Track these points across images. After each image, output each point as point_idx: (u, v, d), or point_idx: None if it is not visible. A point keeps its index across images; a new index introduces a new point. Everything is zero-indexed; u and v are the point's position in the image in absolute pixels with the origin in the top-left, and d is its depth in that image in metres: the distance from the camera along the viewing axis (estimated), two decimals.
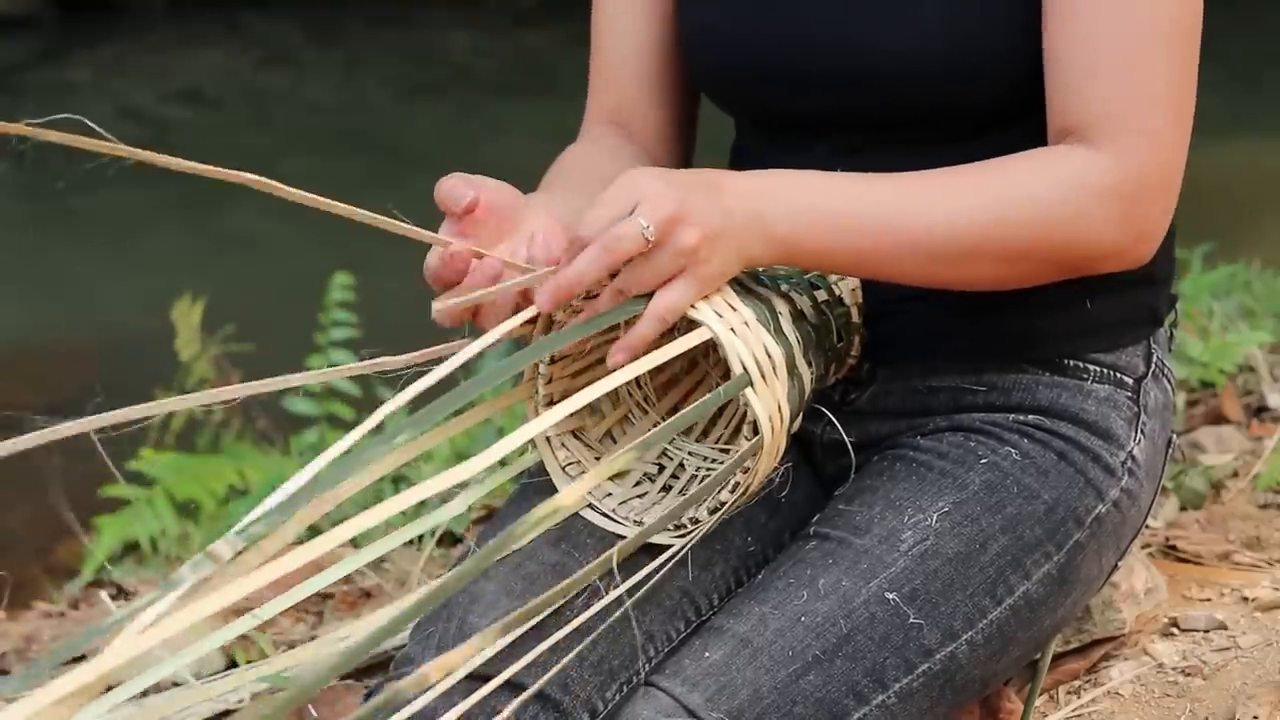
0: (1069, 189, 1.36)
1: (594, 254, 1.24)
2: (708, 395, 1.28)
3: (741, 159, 1.61)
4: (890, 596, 1.37)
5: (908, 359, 1.52)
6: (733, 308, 1.29)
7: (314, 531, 2.35)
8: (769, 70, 1.51)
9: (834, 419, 1.50)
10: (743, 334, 1.28)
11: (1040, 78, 1.42)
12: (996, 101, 1.44)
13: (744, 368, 1.27)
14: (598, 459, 1.42)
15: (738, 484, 1.33)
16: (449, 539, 2.22)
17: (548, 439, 1.41)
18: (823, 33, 1.47)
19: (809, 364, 1.39)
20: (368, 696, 1.36)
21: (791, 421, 1.35)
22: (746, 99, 1.57)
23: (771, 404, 1.29)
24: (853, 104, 1.47)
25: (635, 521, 1.39)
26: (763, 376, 1.29)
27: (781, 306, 1.36)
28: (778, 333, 1.33)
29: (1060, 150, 1.38)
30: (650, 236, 1.23)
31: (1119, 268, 1.42)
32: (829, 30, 1.47)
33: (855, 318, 1.48)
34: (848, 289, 1.47)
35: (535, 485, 1.49)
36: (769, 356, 1.29)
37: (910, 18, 1.43)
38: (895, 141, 1.46)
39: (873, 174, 1.36)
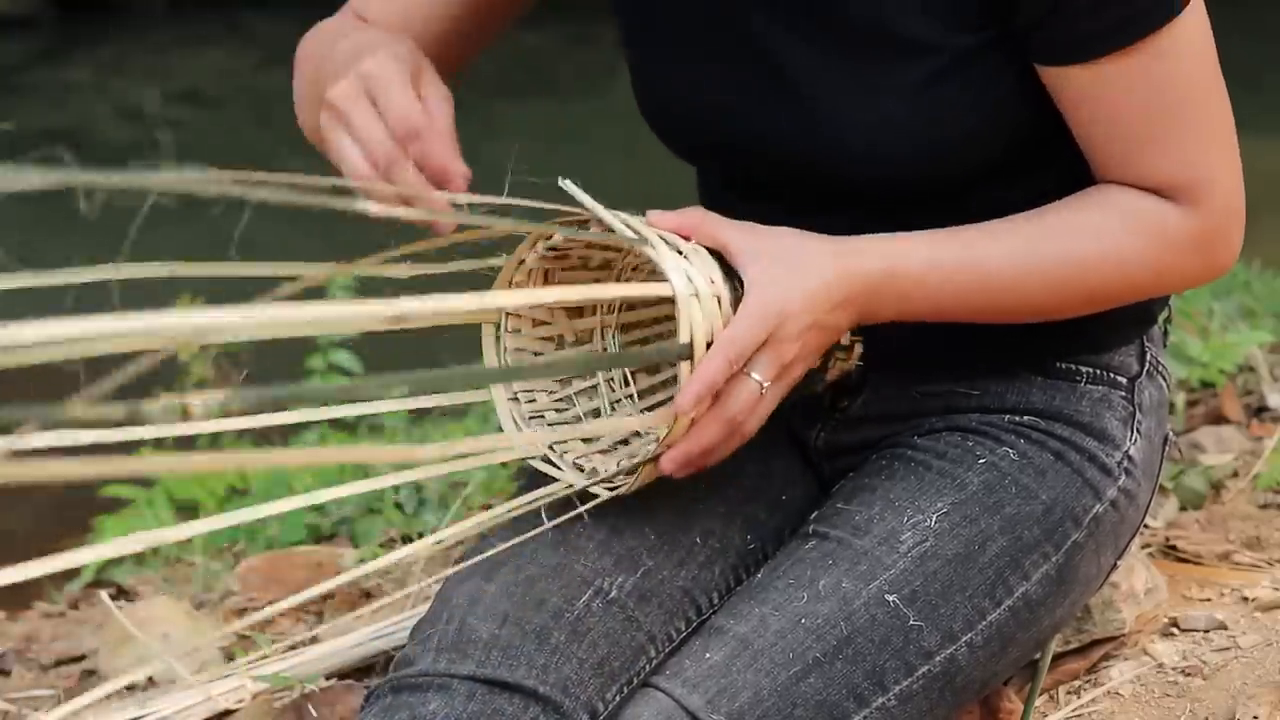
0: (1149, 246, 1.39)
1: (716, 429, 1.28)
2: (652, 346, 1.29)
3: (702, 180, 1.60)
4: (890, 598, 1.37)
5: (900, 366, 1.51)
6: (711, 280, 1.28)
7: (315, 533, 2.35)
8: (729, 143, 1.46)
9: (833, 423, 1.50)
10: (707, 308, 1.27)
11: (1018, 150, 1.41)
12: (967, 179, 1.42)
13: (691, 338, 1.26)
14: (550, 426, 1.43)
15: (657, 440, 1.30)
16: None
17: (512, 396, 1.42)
18: (787, 122, 1.42)
19: None
20: (367, 697, 1.36)
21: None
22: (703, 157, 1.55)
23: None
24: (815, 179, 1.44)
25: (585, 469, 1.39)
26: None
27: None
28: None
29: (1138, 201, 1.39)
30: (764, 391, 1.29)
31: (1194, 288, 1.46)
32: (793, 120, 1.42)
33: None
34: None
35: (535, 486, 1.49)
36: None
37: (875, 112, 1.39)
38: (858, 206, 1.43)
39: (963, 239, 1.38)
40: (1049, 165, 1.43)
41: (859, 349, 1.44)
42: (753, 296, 1.27)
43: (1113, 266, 1.39)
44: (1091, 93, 1.36)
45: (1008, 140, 1.41)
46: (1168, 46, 1.34)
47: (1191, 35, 1.36)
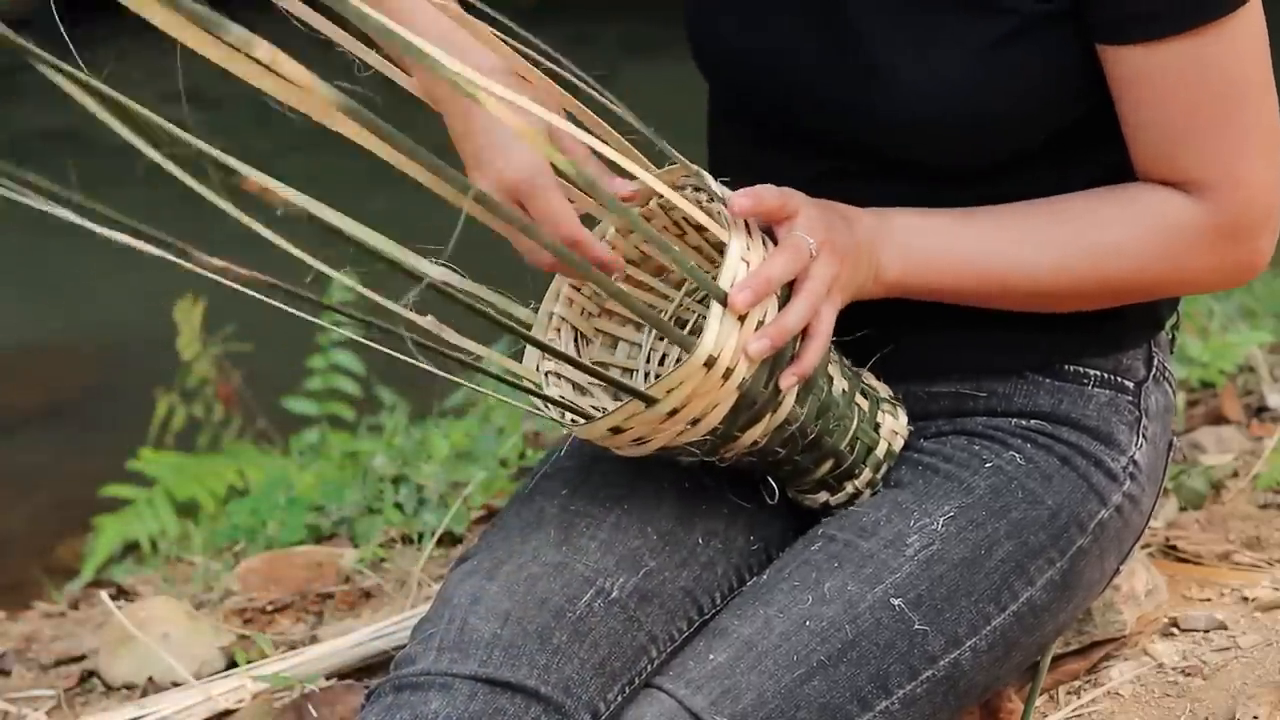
0: (1166, 237, 1.41)
1: (787, 259, 1.31)
2: (692, 263, 1.33)
3: (719, 143, 1.60)
4: (896, 602, 1.37)
5: (907, 369, 1.51)
6: (764, 260, 1.31)
7: (315, 533, 2.35)
8: (780, 88, 1.47)
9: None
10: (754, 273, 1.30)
11: (1058, 142, 1.42)
12: (1000, 161, 1.43)
13: (730, 285, 1.28)
14: (577, 389, 1.44)
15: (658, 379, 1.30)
16: (449, 539, 2.22)
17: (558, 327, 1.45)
18: (843, 72, 1.42)
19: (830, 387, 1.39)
20: (368, 696, 1.36)
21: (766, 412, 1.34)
22: (747, 107, 1.55)
23: (730, 339, 1.28)
24: (854, 139, 1.45)
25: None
26: (740, 317, 1.28)
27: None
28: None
29: (1155, 194, 1.40)
30: (814, 252, 1.32)
31: (1223, 289, 1.46)
32: (849, 71, 1.42)
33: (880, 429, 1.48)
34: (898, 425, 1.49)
35: (537, 486, 1.49)
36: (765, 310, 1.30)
37: (935, 70, 1.39)
38: (887, 177, 1.44)
39: (974, 214, 1.41)
40: (1083, 164, 1.43)
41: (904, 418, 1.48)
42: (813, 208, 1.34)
43: (1129, 259, 1.41)
44: (1144, 74, 1.37)
45: (1055, 125, 1.42)
46: (1225, 39, 1.35)
47: (1249, 31, 1.37)
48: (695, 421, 1.31)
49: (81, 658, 2.06)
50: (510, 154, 1.35)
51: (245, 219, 1.15)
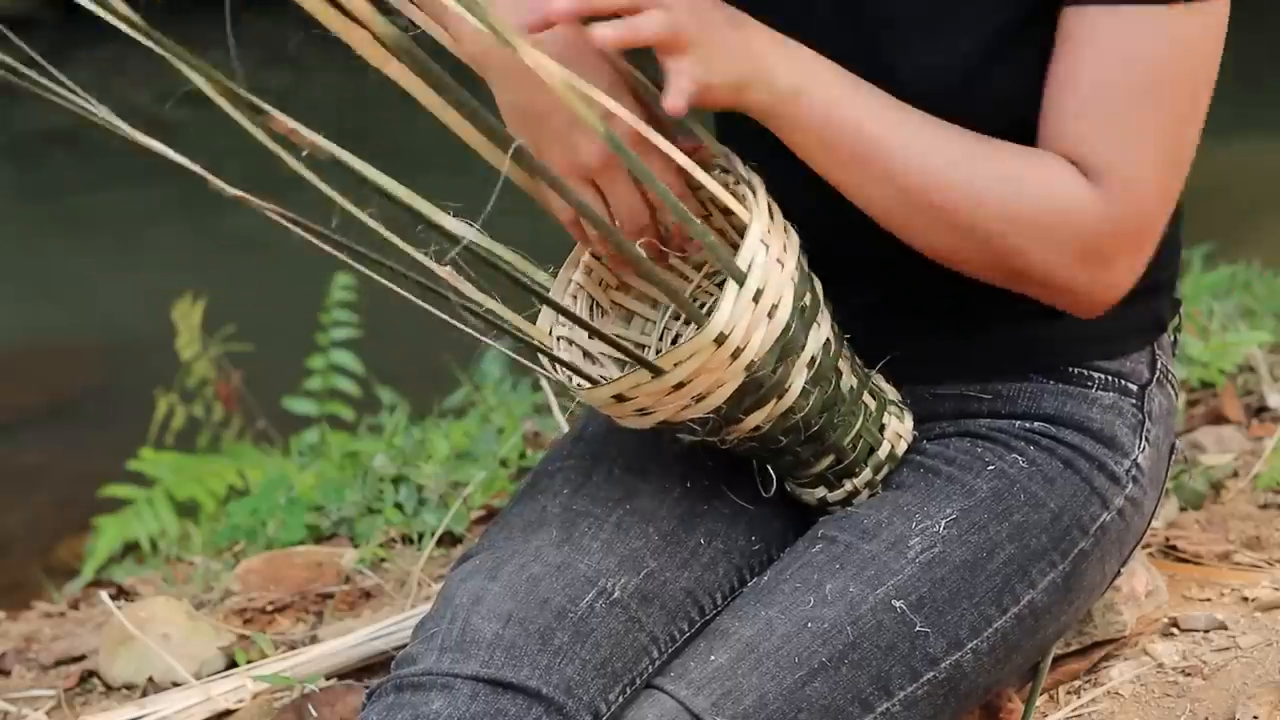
0: (1050, 205, 1.36)
1: None
2: (713, 238, 1.31)
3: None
4: (897, 604, 1.37)
5: (912, 371, 1.51)
6: (785, 249, 1.31)
7: (315, 533, 2.35)
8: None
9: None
10: (772, 258, 1.29)
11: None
12: (1010, 126, 1.40)
13: (748, 267, 1.28)
14: (588, 357, 1.45)
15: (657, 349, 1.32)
16: (449, 539, 2.22)
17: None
18: (846, 44, 1.40)
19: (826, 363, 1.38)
20: (369, 696, 1.36)
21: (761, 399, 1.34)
22: None
23: (743, 319, 1.28)
24: None
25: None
26: (755, 298, 1.28)
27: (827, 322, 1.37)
28: (806, 313, 1.33)
29: (1065, 168, 1.36)
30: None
31: (1066, 307, 1.41)
32: (853, 42, 1.40)
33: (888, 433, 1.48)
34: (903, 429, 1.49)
35: (539, 485, 1.49)
36: (779, 294, 1.30)
37: (942, 45, 1.39)
38: None
39: (890, 99, 1.36)
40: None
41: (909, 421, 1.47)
42: None
43: (1005, 190, 1.35)
44: (1091, 34, 1.34)
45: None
46: (1179, 32, 1.34)
47: (1203, 43, 1.35)
48: (700, 398, 1.32)
49: (81, 658, 2.06)
50: (583, 136, 1.32)
51: (272, 145, 1.16)
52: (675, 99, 1.25)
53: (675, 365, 1.29)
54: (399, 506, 2.30)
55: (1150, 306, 1.54)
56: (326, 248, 1.22)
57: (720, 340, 1.28)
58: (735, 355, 1.29)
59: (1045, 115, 1.38)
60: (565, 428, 2.30)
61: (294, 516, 2.36)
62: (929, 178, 1.35)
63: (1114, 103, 1.35)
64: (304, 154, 1.20)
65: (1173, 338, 1.60)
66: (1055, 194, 1.36)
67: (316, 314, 3.67)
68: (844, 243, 1.40)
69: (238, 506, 2.58)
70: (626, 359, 1.40)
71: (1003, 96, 1.39)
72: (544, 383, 2.48)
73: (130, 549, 3.21)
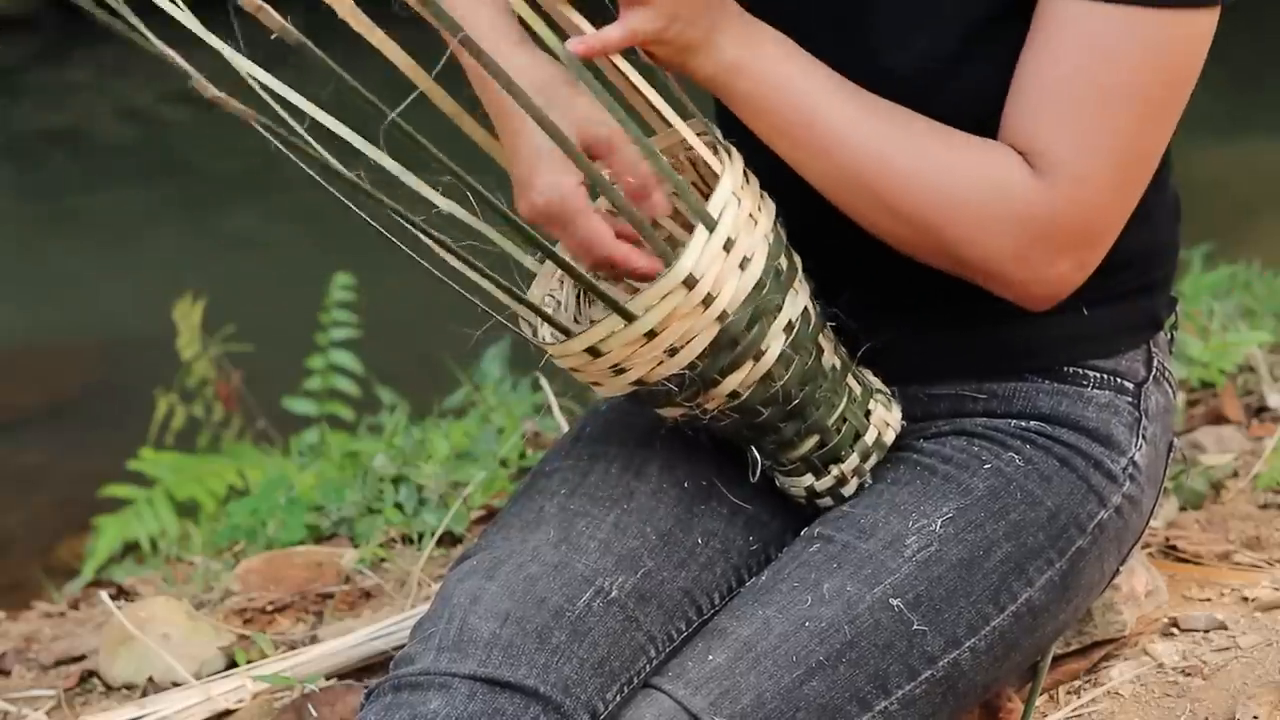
0: (989, 192, 1.36)
1: None
2: (689, 184, 1.33)
3: None
4: (894, 603, 1.37)
5: (907, 371, 1.51)
6: (759, 209, 1.33)
7: (315, 533, 2.35)
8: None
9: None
10: (744, 213, 1.30)
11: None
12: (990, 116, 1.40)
13: (718, 215, 1.29)
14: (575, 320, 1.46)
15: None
16: (449, 539, 2.22)
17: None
18: (832, 29, 1.42)
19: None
20: (367, 696, 1.36)
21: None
22: None
23: (712, 265, 1.29)
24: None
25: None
26: (726, 246, 1.29)
27: (803, 290, 1.37)
28: (783, 276, 1.34)
29: (1008, 158, 1.36)
30: None
31: (1010, 297, 1.40)
32: (837, 27, 1.42)
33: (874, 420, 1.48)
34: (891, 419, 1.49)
35: (537, 486, 1.49)
36: (748, 253, 1.31)
37: (926, 36, 1.39)
38: None
39: (845, 82, 1.36)
40: None
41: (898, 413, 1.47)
42: None
43: (943, 172, 1.35)
44: (1065, 26, 1.34)
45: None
46: (1154, 38, 1.33)
47: (1172, 44, 1.34)
48: (674, 351, 1.32)
49: (81, 658, 2.06)
50: (538, 177, 1.34)
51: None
52: (598, 38, 1.27)
53: (647, 310, 1.29)
54: (399, 506, 2.30)
55: (1144, 305, 1.54)
56: (321, 180, 1.23)
57: (690, 284, 1.29)
58: (707, 303, 1.30)
59: (1008, 105, 1.38)
60: (565, 428, 2.30)
61: (294, 516, 2.36)
62: (865, 160, 1.35)
63: (1075, 98, 1.34)
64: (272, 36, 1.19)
65: (1169, 336, 1.60)
66: (995, 183, 1.36)
67: (316, 314, 3.67)
68: (836, 239, 1.41)
69: (238, 506, 2.58)
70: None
71: (981, 89, 1.39)
72: (544, 382, 2.48)
73: (130, 549, 3.22)
